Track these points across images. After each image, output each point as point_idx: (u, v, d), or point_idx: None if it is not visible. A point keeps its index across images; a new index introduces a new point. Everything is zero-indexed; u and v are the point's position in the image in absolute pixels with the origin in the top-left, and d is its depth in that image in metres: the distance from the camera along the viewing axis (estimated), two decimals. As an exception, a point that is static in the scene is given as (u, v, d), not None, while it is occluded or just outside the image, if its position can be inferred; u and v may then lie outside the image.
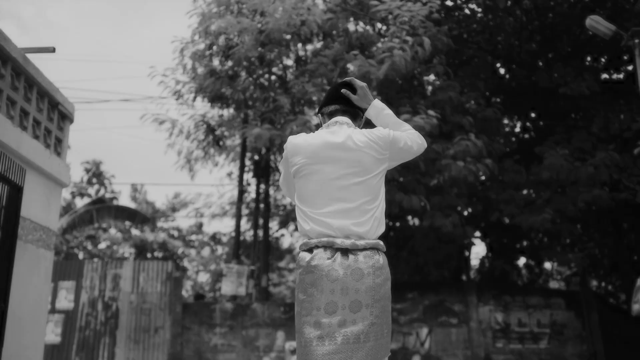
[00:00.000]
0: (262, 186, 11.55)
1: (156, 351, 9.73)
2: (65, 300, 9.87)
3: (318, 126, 2.81)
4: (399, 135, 2.21)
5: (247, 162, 12.65)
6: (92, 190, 24.31)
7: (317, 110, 2.42)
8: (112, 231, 27.77)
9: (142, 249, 24.16)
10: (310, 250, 2.03)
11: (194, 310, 10.12)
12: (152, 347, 9.73)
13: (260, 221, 12.10)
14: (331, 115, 2.25)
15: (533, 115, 12.57)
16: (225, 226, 48.61)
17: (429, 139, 8.89)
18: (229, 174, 14.23)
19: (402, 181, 8.83)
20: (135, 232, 28.49)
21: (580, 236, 11.12)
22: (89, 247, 24.53)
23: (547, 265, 17.47)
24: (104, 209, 10.97)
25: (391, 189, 8.41)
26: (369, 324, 1.95)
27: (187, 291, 23.80)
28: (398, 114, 8.84)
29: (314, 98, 9.36)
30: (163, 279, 10.09)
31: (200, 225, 26.40)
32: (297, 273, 2.05)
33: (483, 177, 8.52)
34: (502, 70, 12.88)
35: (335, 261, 1.97)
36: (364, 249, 2.01)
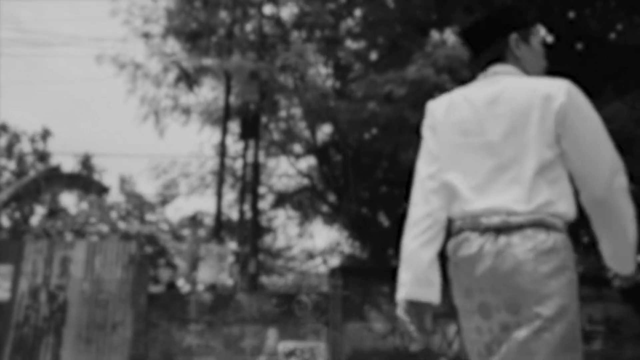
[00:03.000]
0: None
1: (114, 353, 7.77)
2: (-1, 289, 7.92)
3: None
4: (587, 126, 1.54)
5: (235, 130, 10.69)
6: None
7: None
8: (100, 225, 26.76)
9: (131, 244, 22.85)
10: (456, 234, 1.61)
11: (162, 303, 8.22)
12: (108, 348, 7.79)
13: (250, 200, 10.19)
14: (487, 65, 1.68)
15: (575, 74, 10.72)
16: (206, 202, 45.58)
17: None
18: (215, 146, 12.20)
19: None
20: (122, 225, 27.40)
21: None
22: (76, 243, 23.28)
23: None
24: (53, 177, 9.03)
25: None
26: (537, 329, 1.40)
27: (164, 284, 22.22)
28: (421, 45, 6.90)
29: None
30: (124, 263, 8.14)
31: (193, 218, 25.15)
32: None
33: None
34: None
35: (483, 248, 1.51)
36: (521, 226, 1.46)
